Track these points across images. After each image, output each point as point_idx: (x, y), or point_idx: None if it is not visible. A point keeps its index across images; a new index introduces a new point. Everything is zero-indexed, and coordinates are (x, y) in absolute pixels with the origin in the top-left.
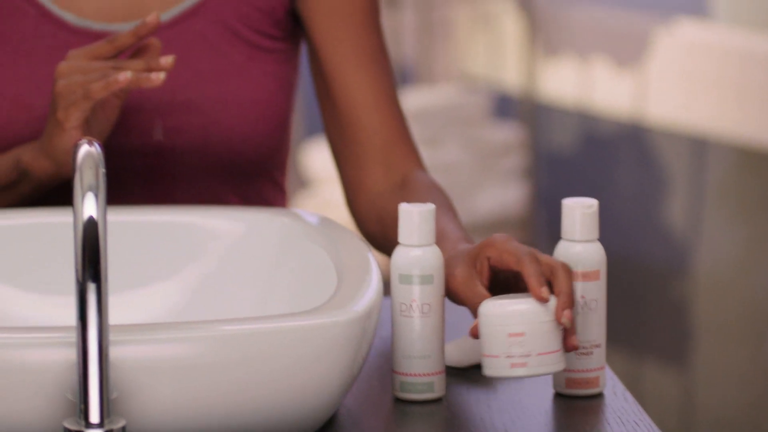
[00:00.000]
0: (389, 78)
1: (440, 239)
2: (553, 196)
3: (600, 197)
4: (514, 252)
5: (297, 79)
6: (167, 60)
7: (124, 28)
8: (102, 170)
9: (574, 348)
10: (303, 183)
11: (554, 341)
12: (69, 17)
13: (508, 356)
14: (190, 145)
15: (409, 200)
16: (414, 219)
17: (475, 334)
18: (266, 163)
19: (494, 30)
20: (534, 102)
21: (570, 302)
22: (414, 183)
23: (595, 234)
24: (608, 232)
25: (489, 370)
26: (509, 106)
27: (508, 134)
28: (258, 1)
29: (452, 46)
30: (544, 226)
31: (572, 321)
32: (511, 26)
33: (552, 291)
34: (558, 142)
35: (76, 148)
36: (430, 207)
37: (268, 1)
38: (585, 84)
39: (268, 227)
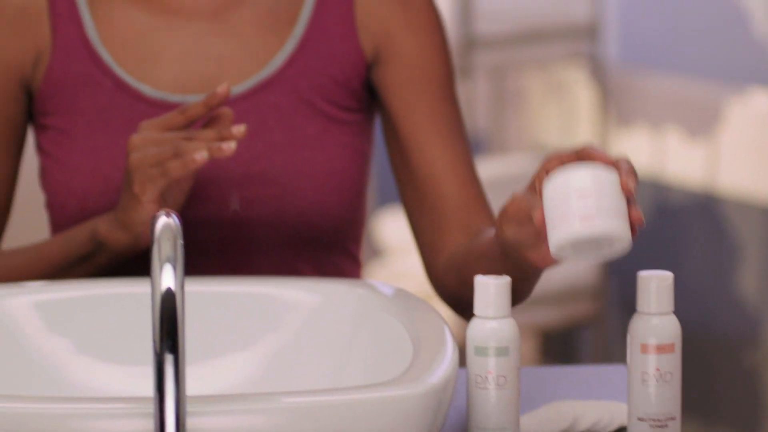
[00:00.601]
0: (465, 144)
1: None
2: (624, 265)
3: (672, 267)
4: (572, 155)
5: (371, 150)
6: (239, 129)
7: (199, 99)
8: (180, 242)
9: (639, 220)
10: (375, 252)
11: (620, 205)
12: (145, 89)
13: (576, 213)
14: (265, 216)
15: (476, 242)
16: (490, 291)
17: (540, 218)
18: (341, 235)
19: (567, 99)
20: None
21: (633, 171)
22: (485, 232)
23: (671, 307)
24: (679, 301)
25: (556, 238)
26: None
27: None
28: (334, 72)
29: (525, 116)
30: (615, 296)
31: (634, 192)
32: (583, 95)
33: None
34: None
35: (154, 219)
36: (506, 279)
37: (344, 72)
38: (657, 153)
39: (344, 298)
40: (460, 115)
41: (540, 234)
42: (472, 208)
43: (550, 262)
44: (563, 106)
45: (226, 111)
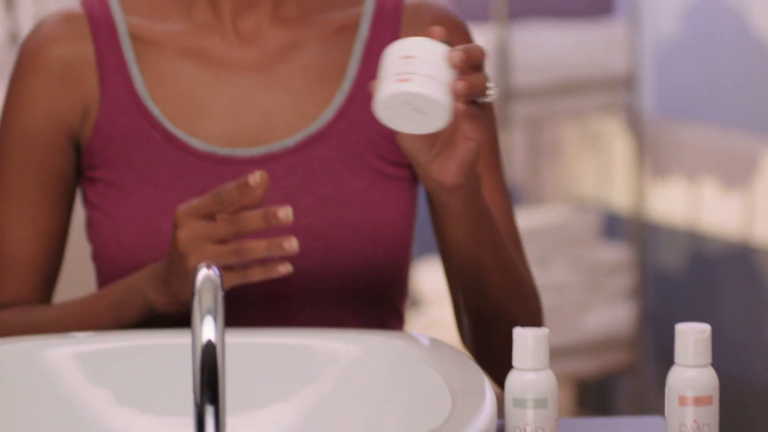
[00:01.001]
0: (504, 203)
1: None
2: (660, 316)
3: (707, 317)
4: None
5: (416, 206)
6: (287, 215)
7: (248, 153)
8: (220, 294)
9: (462, 90)
10: (412, 302)
11: (443, 74)
12: (194, 142)
13: (396, 74)
14: (310, 269)
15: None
16: (528, 343)
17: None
18: (387, 288)
19: (603, 150)
20: (642, 222)
21: (468, 53)
22: None
23: (708, 359)
24: (715, 351)
25: (377, 97)
26: (618, 227)
27: (616, 254)
28: (384, 128)
29: (561, 166)
30: (651, 347)
31: (462, 66)
32: (619, 146)
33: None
34: (666, 262)
35: (195, 272)
36: (544, 331)
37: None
38: (693, 204)
39: (383, 350)
40: (501, 174)
41: (434, 141)
42: None
43: (450, 175)
44: (599, 157)
45: (261, 177)
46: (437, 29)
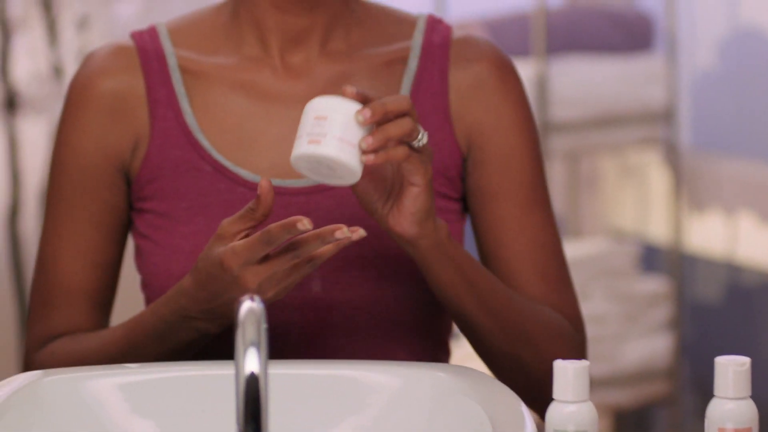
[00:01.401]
0: (552, 236)
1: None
2: (698, 347)
3: (745, 348)
4: None
5: (463, 241)
6: (351, 234)
7: (297, 184)
8: (264, 326)
9: (369, 147)
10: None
11: (353, 133)
12: (244, 173)
13: (308, 134)
14: (357, 299)
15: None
16: (568, 375)
17: None
18: (433, 321)
19: (641, 183)
20: (680, 254)
21: (379, 109)
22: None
23: (748, 391)
24: (753, 382)
25: (292, 153)
26: (655, 258)
27: (654, 286)
28: (433, 161)
29: (599, 199)
30: (689, 378)
31: (371, 122)
32: (657, 179)
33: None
34: (703, 293)
35: (238, 304)
36: (584, 363)
37: (442, 160)
38: (730, 237)
39: (425, 382)
40: (545, 210)
41: (388, 193)
42: (549, 297)
43: (405, 227)
44: (637, 190)
45: (306, 223)
46: (348, 89)
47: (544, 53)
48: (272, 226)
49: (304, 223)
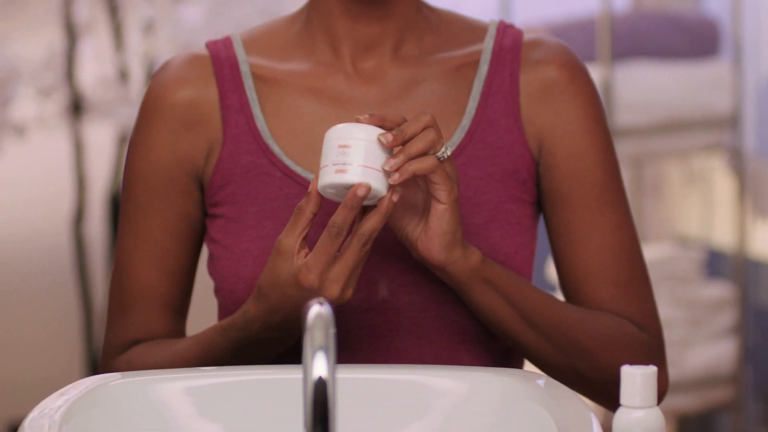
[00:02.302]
0: (625, 239)
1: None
2: (762, 352)
3: None
4: None
5: (535, 244)
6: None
7: None
8: (332, 330)
9: (392, 169)
10: None
11: (376, 158)
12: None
13: (334, 164)
14: (424, 302)
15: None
16: (636, 381)
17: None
18: None
19: (705, 189)
20: (744, 259)
21: (400, 134)
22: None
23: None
24: None
25: (319, 182)
26: (720, 264)
27: (718, 292)
28: (502, 162)
29: (664, 204)
30: (752, 383)
31: (394, 145)
32: (722, 185)
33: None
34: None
35: (305, 308)
36: (652, 369)
37: (513, 162)
38: None
39: (491, 386)
40: (619, 213)
41: (418, 217)
42: (621, 302)
43: (434, 252)
44: (702, 196)
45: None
46: (362, 117)
47: (608, 59)
48: (333, 217)
49: (362, 189)
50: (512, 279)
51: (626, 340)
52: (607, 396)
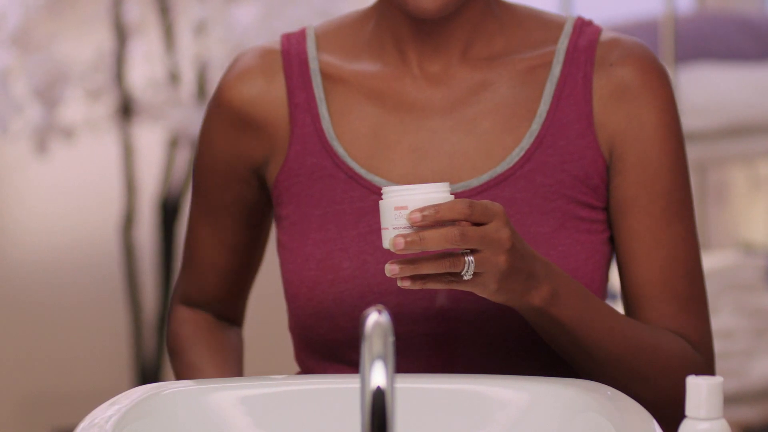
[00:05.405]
0: (684, 252)
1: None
2: None
3: None
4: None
5: (610, 252)
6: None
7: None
8: (390, 339)
9: (397, 249)
10: None
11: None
12: (378, 181)
13: (394, 227)
14: (487, 311)
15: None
16: (702, 392)
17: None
18: None
19: None
20: None
21: (437, 211)
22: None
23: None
24: None
25: (384, 242)
26: None
27: None
28: (572, 168)
29: (728, 210)
30: None
31: (421, 223)
32: None
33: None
34: None
35: (364, 317)
36: (718, 380)
37: (583, 168)
38: None
39: (553, 397)
40: (682, 224)
41: None
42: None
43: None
44: (766, 201)
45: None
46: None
47: (672, 61)
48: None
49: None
50: (577, 312)
51: (684, 366)
52: (661, 415)
